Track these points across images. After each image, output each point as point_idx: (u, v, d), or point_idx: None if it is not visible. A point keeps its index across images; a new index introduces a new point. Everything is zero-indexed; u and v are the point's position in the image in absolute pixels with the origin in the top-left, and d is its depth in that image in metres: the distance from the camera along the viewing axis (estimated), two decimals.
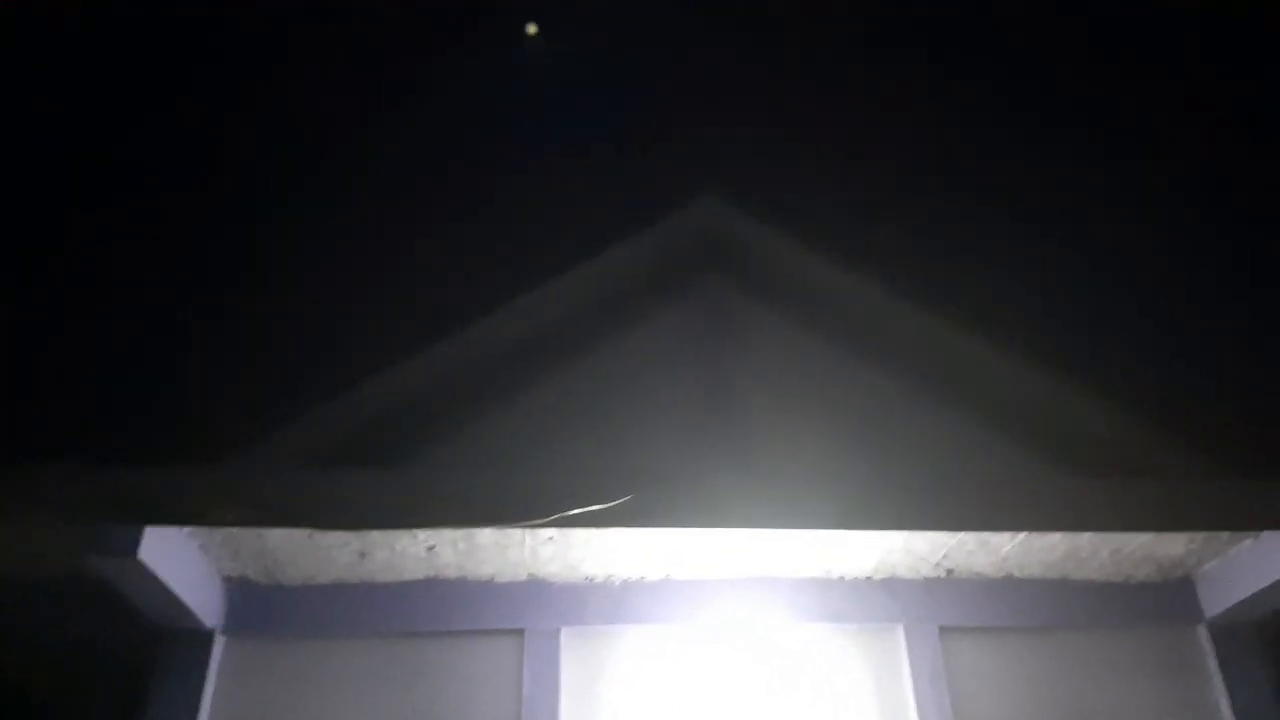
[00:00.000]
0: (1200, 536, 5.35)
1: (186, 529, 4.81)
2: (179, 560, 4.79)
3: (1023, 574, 5.81)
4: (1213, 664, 5.69)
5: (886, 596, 5.76)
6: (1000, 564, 5.69)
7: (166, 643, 5.28)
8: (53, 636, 5.66)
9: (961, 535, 5.32)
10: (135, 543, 4.27)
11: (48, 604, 5.25)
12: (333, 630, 5.51)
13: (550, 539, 5.21)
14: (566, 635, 5.59)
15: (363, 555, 5.30)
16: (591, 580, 5.72)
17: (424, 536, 5.13)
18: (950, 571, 5.77)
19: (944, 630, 5.70)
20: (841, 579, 5.80)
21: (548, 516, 4.18)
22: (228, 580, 5.47)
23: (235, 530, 4.88)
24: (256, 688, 5.33)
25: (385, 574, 5.54)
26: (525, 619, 5.60)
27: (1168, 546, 5.51)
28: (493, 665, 5.51)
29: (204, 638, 5.30)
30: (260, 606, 5.49)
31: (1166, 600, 5.85)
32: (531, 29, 3.20)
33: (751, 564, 5.63)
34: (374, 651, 5.49)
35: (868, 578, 5.80)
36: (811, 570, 5.72)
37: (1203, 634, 5.77)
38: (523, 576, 5.66)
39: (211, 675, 5.28)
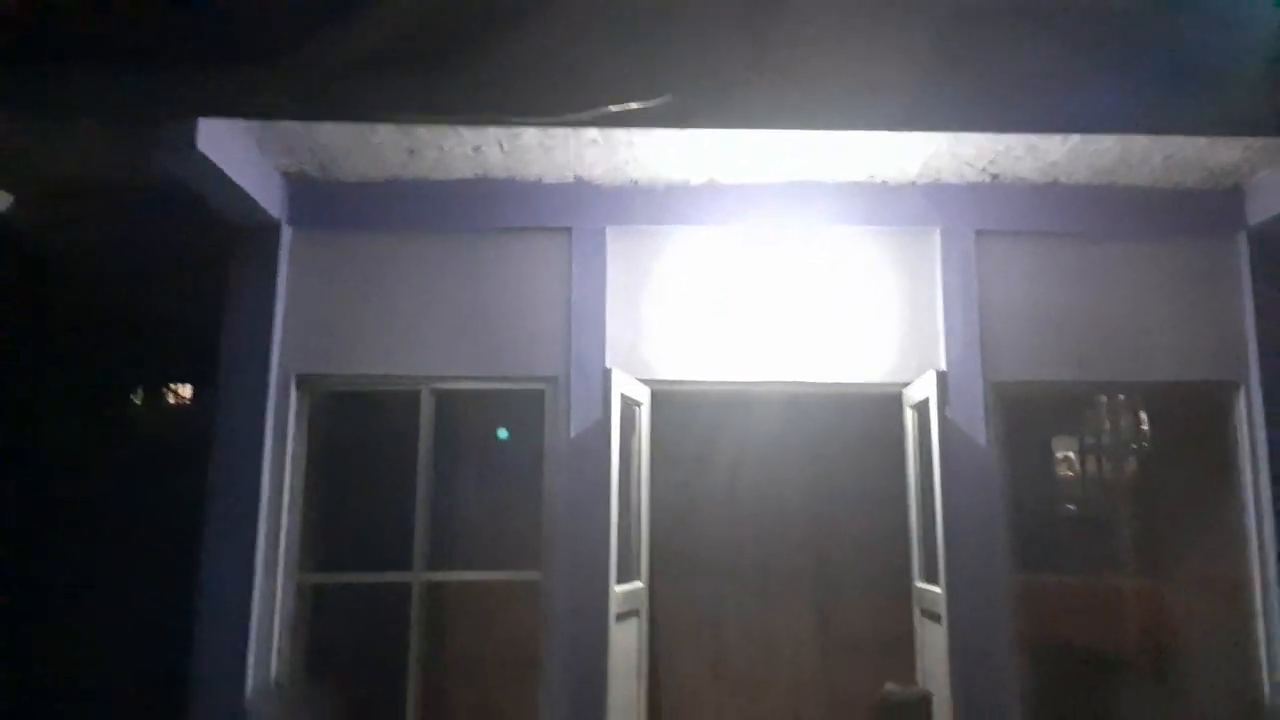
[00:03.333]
0: (1257, 143, 5.22)
1: (241, 124, 4.89)
2: (237, 155, 4.94)
3: (1069, 180, 5.78)
4: (1245, 272, 5.79)
5: (927, 200, 5.82)
6: (1047, 169, 5.65)
7: (239, 237, 5.61)
8: (131, 241, 6.01)
9: (1009, 140, 5.24)
10: (191, 137, 4.39)
11: (122, 209, 5.53)
12: (391, 225, 5.78)
13: (594, 142, 5.24)
14: (612, 234, 5.81)
15: (412, 153, 5.40)
16: (637, 183, 5.82)
17: (469, 136, 5.18)
18: (995, 177, 5.76)
19: (980, 234, 5.81)
20: (884, 184, 5.84)
21: (587, 112, 4.20)
22: (287, 175, 5.66)
23: (288, 126, 4.97)
24: (325, 277, 5.72)
25: (436, 172, 5.68)
26: (572, 218, 5.80)
27: (1221, 153, 5.40)
28: (542, 261, 5.80)
29: (272, 229, 5.61)
30: (321, 201, 5.73)
31: (1211, 209, 5.84)
32: None
33: (795, 169, 5.66)
34: (431, 246, 5.79)
35: (911, 182, 5.83)
36: (855, 175, 5.74)
37: (1241, 242, 5.83)
38: (569, 178, 5.77)
39: (283, 265, 5.66)
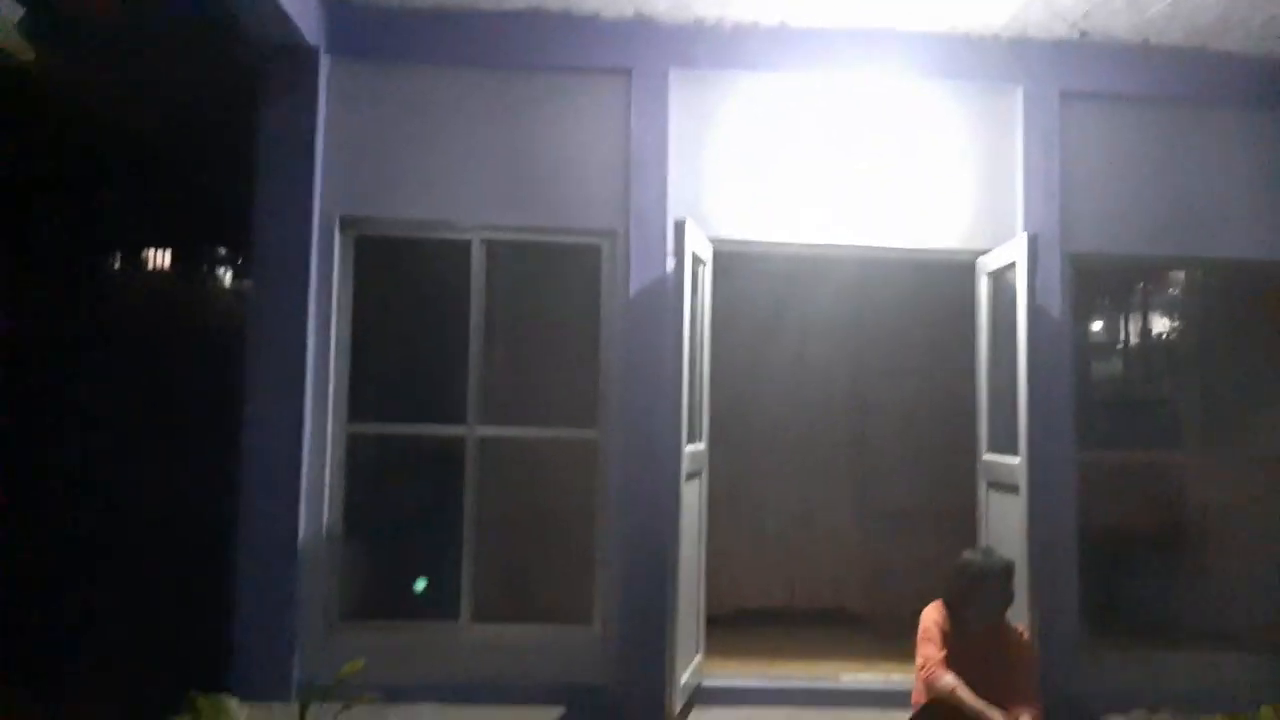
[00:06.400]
0: None
1: None
2: None
3: (1160, 40, 5.45)
4: None
5: (1011, 56, 5.47)
6: (1142, 26, 5.31)
7: (273, 67, 5.14)
8: (162, 74, 5.51)
9: None
10: None
11: (137, 38, 5.03)
12: (438, 57, 5.34)
13: None
14: (675, 78, 5.41)
15: None
16: (702, 22, 5.40)
17: None
18: (1084, 34, 5.41)
19: (1065, 95, 5.49)
20: (967, 35, 5.47)
21: None
22: None
23: None
24: (368, 112, 5.30)
25: (484, 1, 5.23)
26: (633, 59, 5.39)
27: None
28: (600, 105, 5.41)
29: (309, 56, 5.17)
30: (363, 27, 5.27)
31: None
32: None
33: (873, 14, 5.27)
34: (481, 83, 5.37)
35: (994, 35, 5.46)
36: (936, 24, 5.37)
37: None
38: (629, 13, 5.34)
39: (322, 96, 5.23)
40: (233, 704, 3.92)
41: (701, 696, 5.10)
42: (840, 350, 6.85)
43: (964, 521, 5.97)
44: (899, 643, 5.69)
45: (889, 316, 6.78)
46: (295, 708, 4.01)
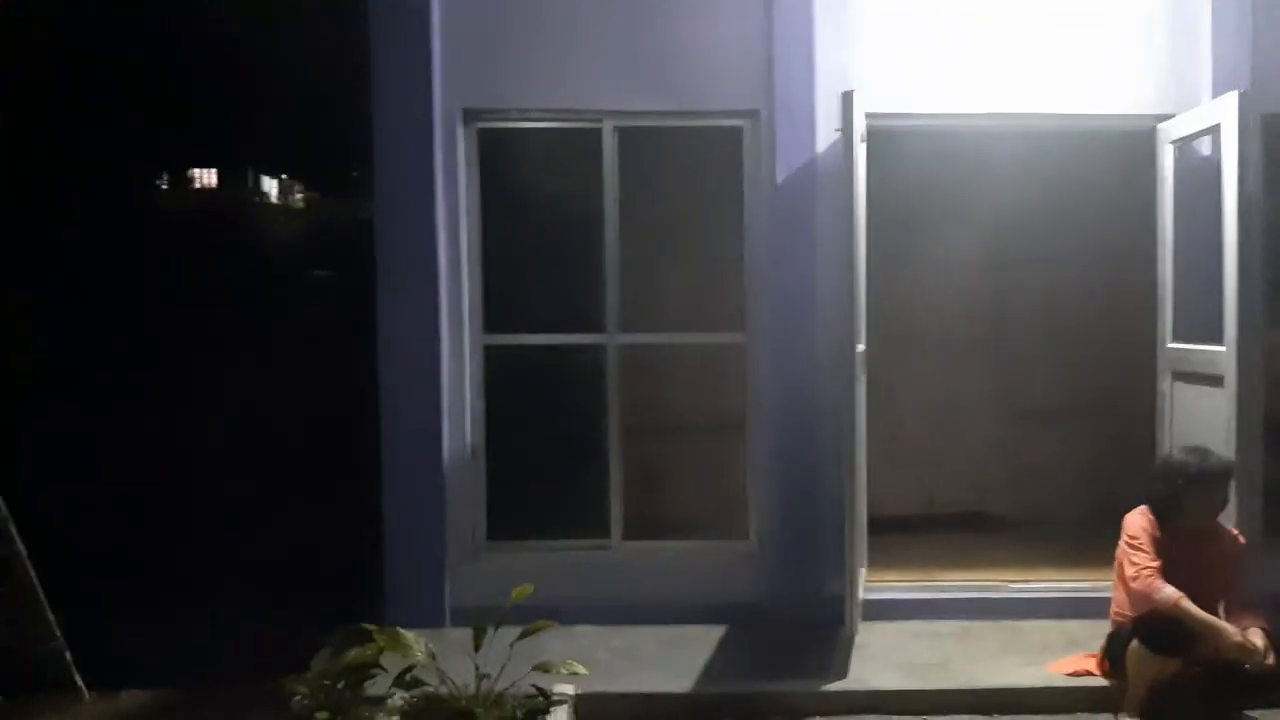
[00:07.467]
0: None
1: None
2: None
3: None
4: None
5: None
6: None
7: None
8: None
9: None
10: None
11: None
12: None
13: None
14: None
15: None
16: None
17: None
18: None
19: None
20: None
21: None
22: None
23: None
24: None
25: None
26: None
27: None
28: None
29: None
30: None
31: None
32: None
33: None
34: None
35: None
36: None
37: None
38: None
39: None
40: (409, 635, 3.69)
41: (867, 611, 4.79)
42: (985, 236, 6.32)
43: (1118, 417, 5.62)
44: (1053, 547, 5.40)
45: (1038, 198, 6.21)
46: (460, 634, 3.79)
